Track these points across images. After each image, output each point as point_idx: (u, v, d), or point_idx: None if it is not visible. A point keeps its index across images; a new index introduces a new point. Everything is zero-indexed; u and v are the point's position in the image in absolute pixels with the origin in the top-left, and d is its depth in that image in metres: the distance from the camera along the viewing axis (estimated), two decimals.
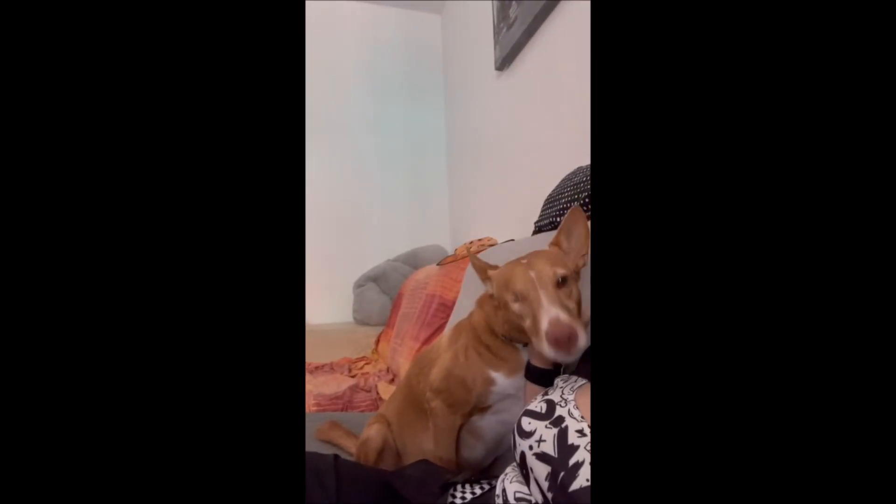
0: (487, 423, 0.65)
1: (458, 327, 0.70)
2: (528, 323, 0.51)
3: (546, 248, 0.61)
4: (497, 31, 1.81)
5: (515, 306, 0.53)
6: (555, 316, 0.47)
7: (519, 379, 0.60)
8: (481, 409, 0.63)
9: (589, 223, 0.58)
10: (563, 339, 0.45)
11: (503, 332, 0.60)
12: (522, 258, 0.57)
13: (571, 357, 0.47)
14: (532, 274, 0.52)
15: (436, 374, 0.66)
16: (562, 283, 0.52)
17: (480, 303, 0.67)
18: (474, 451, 0.68)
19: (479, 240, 1.80)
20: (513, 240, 1.36)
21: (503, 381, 0.60)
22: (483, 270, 0.62)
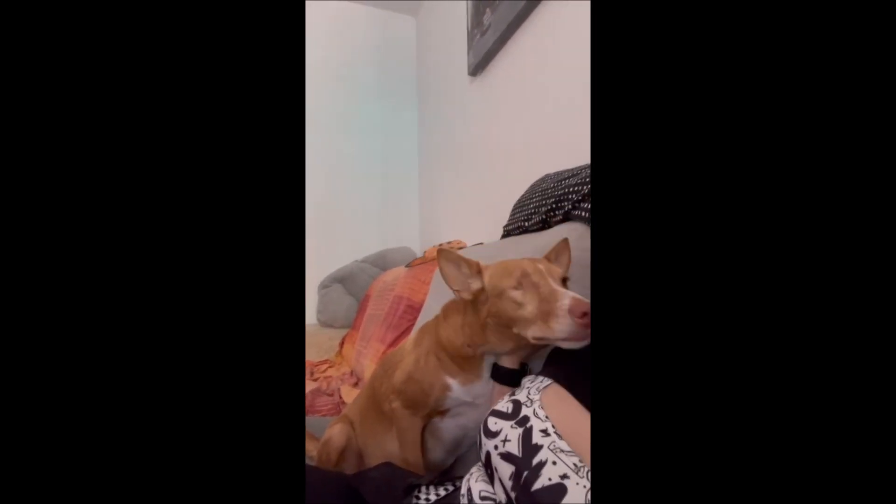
0: (446, 426, 0.66)
1: (423, 329, 0.70)
2: (528, 309, 0.51)
3: (533, 255, 0.63)
4: (471, 37, 1.83)
5: (515, 294, 0.53)
6: (576, 296, 0.48)
7: (475, 387, 0.61)
8: (440, 412, 0.64)
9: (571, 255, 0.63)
10: (588, 310, 0.46)
11: (468, 340, 0.59)
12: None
13: (587, 338, 0.47)
14: (541, 266, 0.54)
15: (398, 375, 0.67)
16: (564, 283, 0.54)
17: (446, 311, 0.67)
18: (434, 452, 0.68)
19: (449, 242, 1.81)
20: (482, 243, 1.37)
21: (458, 388, 0.61)
22: (473, 265, 0.60)
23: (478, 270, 0.60)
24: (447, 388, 0.61)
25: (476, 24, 1.76)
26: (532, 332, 0.51)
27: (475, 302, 0.59)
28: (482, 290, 0.58)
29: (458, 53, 2.00)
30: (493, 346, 0.58)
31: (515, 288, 0.53)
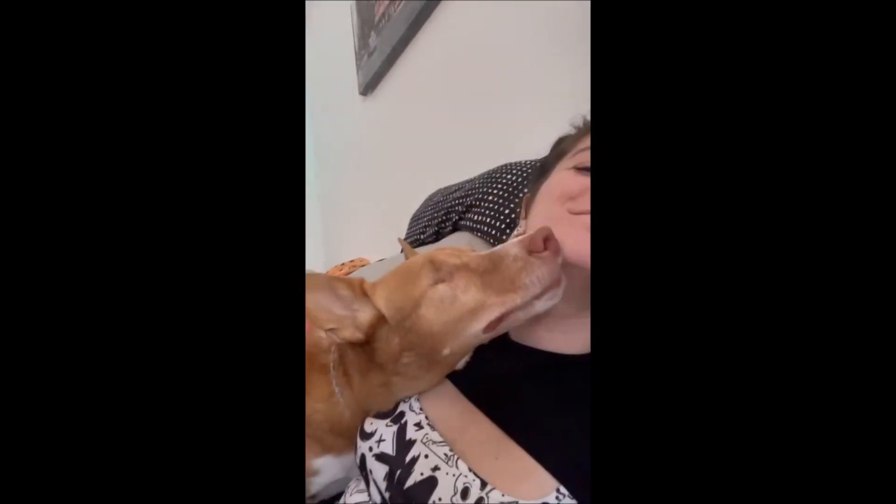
0: None
1: None
2: (470, 295, 0.36)
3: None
4: (359, 58, 1.86)
5: (439, 291, 0.36)
6: (520, 237, 0.36)
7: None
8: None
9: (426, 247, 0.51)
10: (550, 234, 0.35)
11: (358, 406, 0.43)
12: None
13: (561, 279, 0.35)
14: (446, 248, 0.40)
15: None
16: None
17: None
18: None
19: (351, 261, 1.79)
20: (384, 259, 1.39)
21: (334, 462, 0.44)
22: (355, 284, 0.40)
23: (362, 291, 0.40)
24: (313, 473, 0.44)
25: (363, 46, 1.80)
26: (489, 317, 0.35)
27: (370, 342, 0.39)
28: (380, 317, 0.38)
29: (348, 73, 2.01)
30: (405, 392, 0.42)
31: (434, 285, 0.37)
